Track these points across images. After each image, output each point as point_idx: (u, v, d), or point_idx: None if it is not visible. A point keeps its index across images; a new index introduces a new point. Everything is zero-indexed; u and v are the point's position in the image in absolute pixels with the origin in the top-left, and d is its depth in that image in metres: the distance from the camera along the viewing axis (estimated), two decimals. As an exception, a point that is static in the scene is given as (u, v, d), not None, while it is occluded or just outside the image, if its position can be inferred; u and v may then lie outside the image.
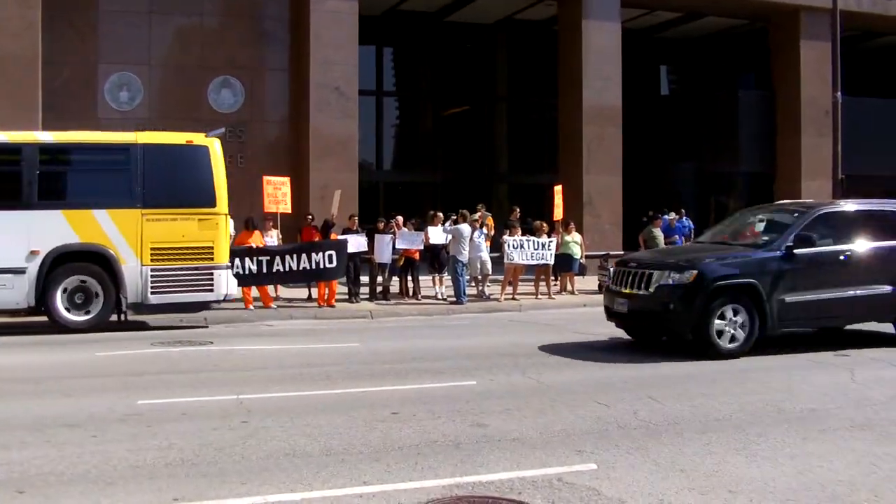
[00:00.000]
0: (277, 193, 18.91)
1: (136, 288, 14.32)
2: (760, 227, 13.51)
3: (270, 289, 18.06)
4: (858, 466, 6.64)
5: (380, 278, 19.23)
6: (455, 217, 19.79)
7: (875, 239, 12.62)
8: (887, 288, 12.52)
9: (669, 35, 32.93)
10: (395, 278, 19.57)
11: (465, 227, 18.83)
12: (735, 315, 11.56)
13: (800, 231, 12.08)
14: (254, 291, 17.52)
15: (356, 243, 18.31)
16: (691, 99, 33.38)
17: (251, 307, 17.23)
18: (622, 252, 21.87)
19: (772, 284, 11.73)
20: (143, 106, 23.48)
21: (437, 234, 19.15)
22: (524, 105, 32.67)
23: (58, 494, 5.90)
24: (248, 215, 18.43)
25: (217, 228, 14.76)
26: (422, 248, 19.12)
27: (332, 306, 17.80)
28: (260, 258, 17.02)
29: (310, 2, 23.19)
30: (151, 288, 14.35)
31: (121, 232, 14.24)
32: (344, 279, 18.42)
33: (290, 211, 19.43)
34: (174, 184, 14.75)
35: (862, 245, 12.51)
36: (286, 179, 19.41)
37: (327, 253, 17.49)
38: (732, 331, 11.55)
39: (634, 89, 28.97)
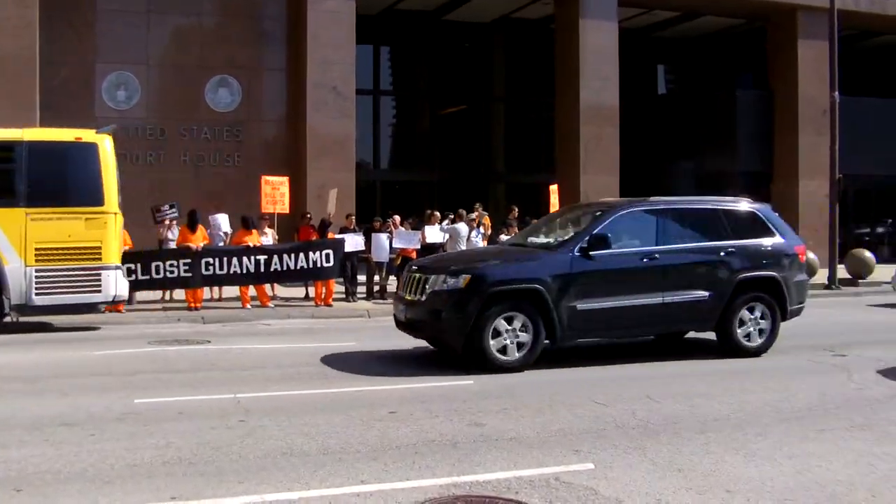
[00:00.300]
0: (275, 193, 18.92)
1: (19, 289, 13.76)
2: (562, 226, 12.43)
3: (268, 287, 18.07)
4: (857, 466, 6.64)
5: (377, 277, 19.23)
6: (452, 216, 19.78)
7: (690, 240, 11.64)
8: (703, 293, 11.37)
9: (667, 34, 32.96)
10: (393, 277, 19.58)
11: (461, 227, 18.84)
12: (516, 324, 10.42)
13: (596, 231, 10.96)
14: (251, 290, 17.53)
15: (353, 242, 18.31)
16: (689, 98, 33.39)
17: (248, 306, 17.23)
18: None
19: (561, 290, 10.56)
20: (140, 105, 23.49)
21: (433, 234, 19.16)
22: (521, 104, 32.68)
23: (56, 493, 5.89)
24: (245, 214, 18.43)
25: (105, 228, 14.22)
26: (419, 247, 19.12)
27: (330, 305, 17.81)
28: (257, 257, 17.02)
29: (307, 2, 23.20)
30: (36, 289, 13.78)
31: (3, 231, 13.73)
32: (341, 278, 18.43)
33: (287, 211, 19.46)
34: (61, 182, 14.24)
35: (673, 247, 11.39)
36: (284, 179, 19.42)
37: (324, 252, 17.49)
38: (510, 341, 10.39)
39: (632, 89, 29.01)
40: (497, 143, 33.13)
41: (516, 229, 20.06)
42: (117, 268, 14.54)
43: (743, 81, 32.19)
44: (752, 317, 11.72)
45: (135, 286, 16.51)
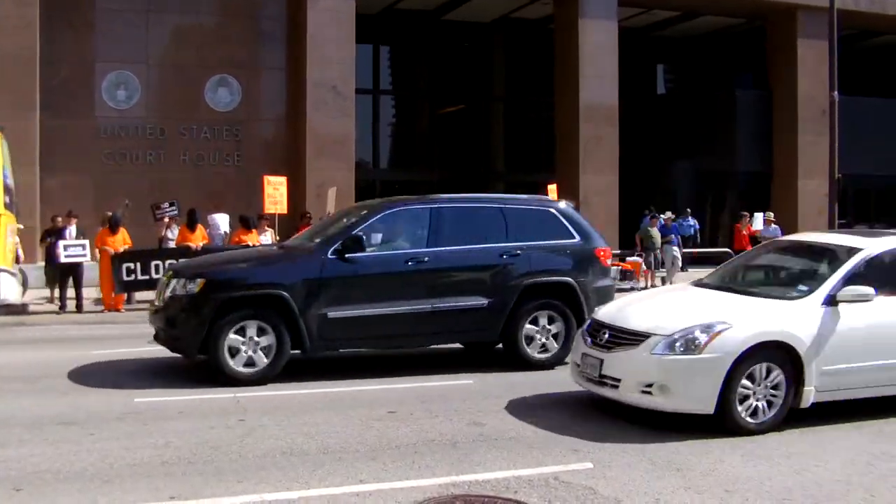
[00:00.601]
0: (276, 194, 18.95)
1: None
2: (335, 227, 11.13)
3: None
4: (854, 465, 6.66)
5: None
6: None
7: (470, 241, 10.51)
8: (482, 300, 10.33)
9: (666, 34, 32.95)
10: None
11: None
12: (258, 333, 9.54)
13: (354, 232, 10.05)
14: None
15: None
16: (688, 98, 33.37)
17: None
18: (618, 251, 21.94)
19: (310, 296, 9.65)
20: (140, 105, 23.47)
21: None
22: (521, 104, 32.67)
23: (55, 492, 5.91)
24: (244, 214, 18.44)
25: None
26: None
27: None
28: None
29: (307, 1, 23.19)
30: None
31: None
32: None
33: (286, 212, 19.47)
34: None
35: (445, 249, 10.31)
36: (283, 179, 19.45)
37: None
38: (249, 352, 9.50)
39: (631, 88, 29.00)
40: (497, 143, 33.12)
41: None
42: (2, 271, 14.02)
43: (742, 81, 32.14)
44: (544, 326, 10.64)
45: (134, 286, 16.54)
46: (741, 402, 7.43)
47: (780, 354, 7.54)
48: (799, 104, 28.35)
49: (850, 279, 7.91)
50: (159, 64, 23.84)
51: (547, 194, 21.57)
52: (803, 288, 8.14)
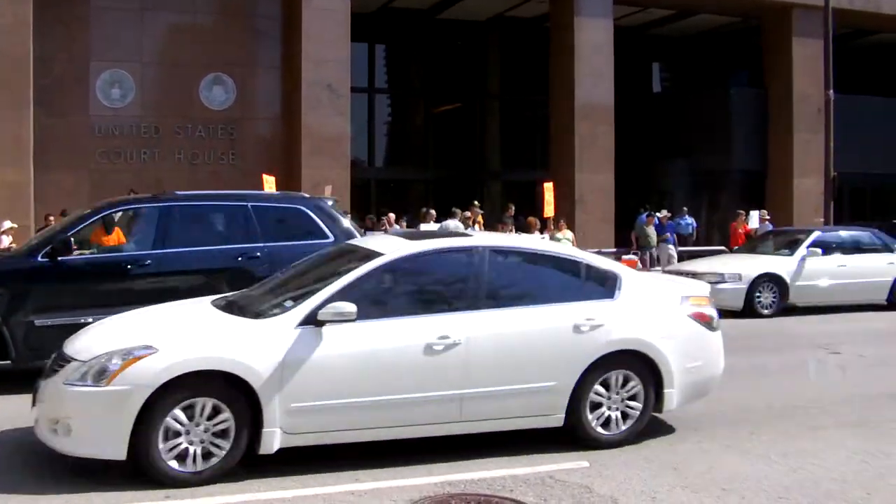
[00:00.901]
0: (271, 192, 19.01)
1: None
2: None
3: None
4: (851, 464, 6.65)
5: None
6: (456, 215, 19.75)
7: (204, 243, 9.82)
8: None
9: (662, 32, 32.95)
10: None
11: (451, 224, 18.76)
12: None
13: (68, 234, 9.36)
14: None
15: (348, 241, 18.27)
16: (684, 96, 33.40)
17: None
18: (614, 249, 21.96)
19: (15, 302, 9.01)
20: (134, 103, 23.41)
21: (428, 232, 19.06)
22: (516, 102, 32.65)
23: (45, 490, 5.87)
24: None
25: None
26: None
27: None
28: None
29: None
30: None
31: None
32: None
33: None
34: None
35: (171, 251, 9.55)
36: (272, 179, 19.50)
37: (319, 250, 17.43)
38: None
39: (627, 86, 28.97)
40: (492, 142, 33.10)
41: (511, 227, 20.03)
42: None
43: (738, 79, 32.18)
44: None
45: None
46: (166, 440, 5.98)
47: (224, 388, 6.10)
48: (794, 102, 28.37)
49: (352, 293, 6.48)
50: (154, 62, 23.79)
51: (543, 193, 21.64)
52: (288, 304, 6.65)
